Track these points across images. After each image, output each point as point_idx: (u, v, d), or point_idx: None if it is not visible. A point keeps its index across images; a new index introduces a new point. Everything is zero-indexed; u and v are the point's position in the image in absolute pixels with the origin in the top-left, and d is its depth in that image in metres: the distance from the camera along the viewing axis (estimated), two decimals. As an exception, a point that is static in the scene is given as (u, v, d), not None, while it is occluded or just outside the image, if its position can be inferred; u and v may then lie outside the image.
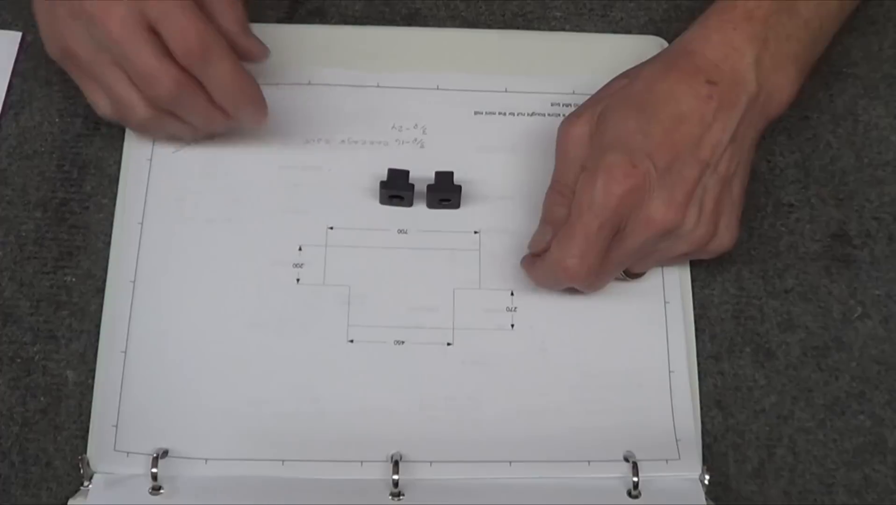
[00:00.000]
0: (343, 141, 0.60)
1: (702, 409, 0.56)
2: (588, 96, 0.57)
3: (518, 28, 0.64)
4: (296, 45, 0.61)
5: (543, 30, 0.64)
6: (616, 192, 0.51)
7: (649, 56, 0.57)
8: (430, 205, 0.59)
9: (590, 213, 0.52)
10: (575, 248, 0.52)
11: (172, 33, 0.51)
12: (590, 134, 0.54)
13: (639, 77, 0.55)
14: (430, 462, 0.54)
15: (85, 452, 0.54)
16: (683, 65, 0.54)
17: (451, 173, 0.58)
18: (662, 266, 0.58)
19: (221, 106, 0.54)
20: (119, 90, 0.54)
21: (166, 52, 0.52)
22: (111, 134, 0.60)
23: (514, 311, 0.57)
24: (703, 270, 0.59)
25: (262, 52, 0.57)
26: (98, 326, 0.56)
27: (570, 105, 0.60)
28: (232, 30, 0.55)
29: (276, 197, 0.59)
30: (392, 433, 0.54)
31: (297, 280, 0.57)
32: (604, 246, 0.52)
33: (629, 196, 0.51)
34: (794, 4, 0.55)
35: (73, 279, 0.57)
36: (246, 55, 0.56)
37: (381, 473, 0.53)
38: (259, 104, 0.55)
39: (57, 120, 0.60)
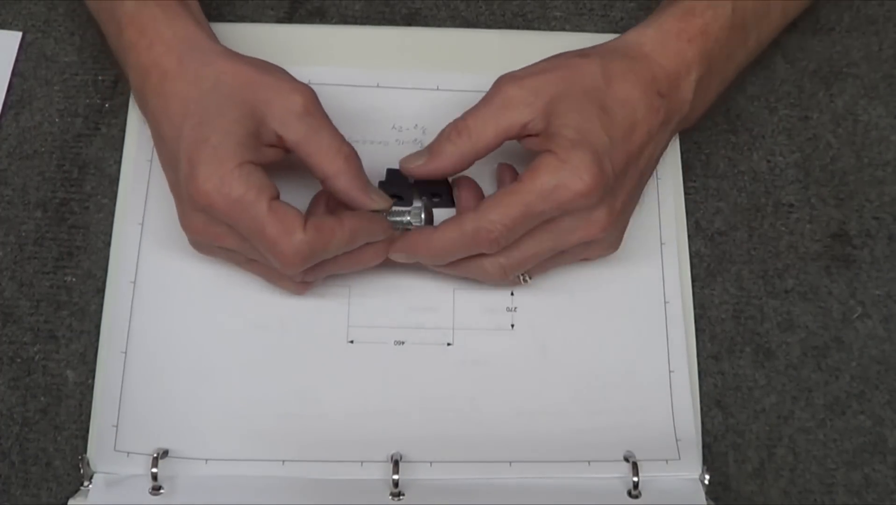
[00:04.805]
0: (343, 141, 0.60)
1: (702, 409, 0.56)
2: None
3: (518, 28, 0.64)
4: (296, 45, 0.61)
5: (543, 30, 0.64)
6: (576, 188, 0.50)
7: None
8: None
9: (539, 196, 0.50)
10: (508, 219, 0.50)
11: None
12: (528, 104, 0.52)
13: (596, 66, 0.52)
14: (430, 462, 0.54)
15: (85, 452, 0.54)
16: (641, 70, 0.53)
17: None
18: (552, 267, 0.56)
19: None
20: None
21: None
22: (111, 134, 0.60)
23: (514, 311, 0.57)
24: (703, 270, 0.59)
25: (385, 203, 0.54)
26: (98, 326, 0.56)
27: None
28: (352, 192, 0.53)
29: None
30: (392, 433, 0.54)
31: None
32: (527, 230, 0.51)
33: (583, 197, 0.50)
34: (743, 22, 0.55)
35: (73, 279, 0.57)
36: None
37: (381, 473, 0.53)
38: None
39: (57, 120, 0.60)
